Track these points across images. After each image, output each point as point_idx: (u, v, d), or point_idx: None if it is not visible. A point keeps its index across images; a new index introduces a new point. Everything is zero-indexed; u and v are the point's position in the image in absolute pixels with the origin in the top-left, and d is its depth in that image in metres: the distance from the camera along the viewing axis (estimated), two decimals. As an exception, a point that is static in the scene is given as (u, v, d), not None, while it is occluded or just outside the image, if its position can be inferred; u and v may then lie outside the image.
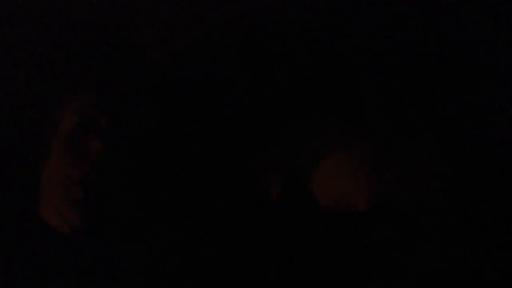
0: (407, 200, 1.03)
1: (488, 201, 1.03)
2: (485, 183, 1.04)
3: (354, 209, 1.03)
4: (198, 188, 1.11)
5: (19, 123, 1.09)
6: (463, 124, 1.09)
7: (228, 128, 1.13)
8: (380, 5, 1.13)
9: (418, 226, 1.02)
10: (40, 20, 1.17)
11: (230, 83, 1.14)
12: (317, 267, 1.02)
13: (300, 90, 1.12)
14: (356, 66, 1.11)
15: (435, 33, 1.12)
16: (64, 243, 1.02)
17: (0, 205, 1.05)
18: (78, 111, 1.03)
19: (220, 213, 1.08)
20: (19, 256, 1.01)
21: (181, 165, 1.10)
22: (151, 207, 1.07)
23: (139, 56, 1.10)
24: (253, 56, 1.15)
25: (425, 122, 1.09)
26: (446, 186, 1.04)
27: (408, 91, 1.10)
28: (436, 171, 1.05)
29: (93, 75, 1.06)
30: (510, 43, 1.11)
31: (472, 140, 1.07)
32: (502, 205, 1.03)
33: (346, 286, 1.01)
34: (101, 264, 1.02)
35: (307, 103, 1.11)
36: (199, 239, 1.05)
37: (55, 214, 1.03)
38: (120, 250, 1.03)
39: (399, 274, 1.00)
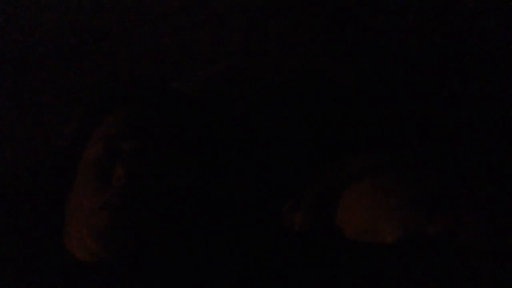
0: (437, 237, 0.98)
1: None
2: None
3: (381, 241, 1.00)
4: (222, 218, 1.09)
5: (46, 152, 1.10)
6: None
7: (253, 160, 1.12)
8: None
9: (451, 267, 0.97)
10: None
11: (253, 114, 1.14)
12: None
13: (325, 122, 1.12)
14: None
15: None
16: (89, 275, 1.00)
17: (26, 235, 1.05)
18: (103, 137, 1.04)
19: (243, 244, 1.06)
20: (41, 282, 1.00)
21: (205, 194, 1.09)
22: (177, 237, 1.06)
23: (163, 86, 1.11)
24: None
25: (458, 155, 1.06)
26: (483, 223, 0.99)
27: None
28: (471, 208, 1.00)
29: (119, 102, 1.07)
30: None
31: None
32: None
33: None
34: None
35: (334, 135, 1.11)
36: (221, 268, 1.03)
37: (79, 244, 1.02)
38: (143, 280, 1.01)
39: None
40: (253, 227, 1.08)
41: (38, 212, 1.07)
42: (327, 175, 1.08)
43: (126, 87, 1.09)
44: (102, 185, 1.00)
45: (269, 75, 1.18)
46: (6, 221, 1.07)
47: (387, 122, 1.13)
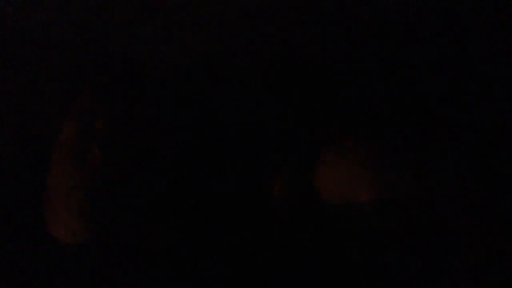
0: (411, 196, 0.99)
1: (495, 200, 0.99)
2: (493, 182, 1.01)
3: (356, 201, 0.99)
4: (200, 189, 1.08)
5: (20, 136, 1.09)
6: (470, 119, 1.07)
7: (225, 129, 1.12)
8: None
9: (421, 222, 0.98)
10: (41, 27, 1.16)
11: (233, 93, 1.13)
12: (319, 264, 0.99)
13: (303, 92, 1.11)
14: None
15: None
16: (70, 255, 1.00)
17: (5, 218, 1.03)
18: (77, 117, 1.03)
19: (223, 215, 1.06)
20: (26, 269, 0.99)
21: (183, 168, 1.08)
22: (155, 212, 1.04)
23: (138, 65, 1.10)
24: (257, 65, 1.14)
25: (431, 116, 1.07)
26: (452, 183, 1.01)
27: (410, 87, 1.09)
28: (442, 168, 1.02)
29: (90, 82, 1.06)
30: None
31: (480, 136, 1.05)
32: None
33: (348, 282, 0.98)
34: (106, 274, 0.99)
35: (311, 103, 1.10)
36: (201, 240, 1.03)
37: (59, 225, 1.01)
38: (125, 258, 1.00)
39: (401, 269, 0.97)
40: (230, 194, 1.08)
41: (16, 196, 1.06)
42: (305, 140, 1.08)
43: (97, 67, 1.09)
44: (79, 165, 1.00)
45: (249, 58, 1.16)
46: None
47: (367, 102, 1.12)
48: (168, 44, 1.15)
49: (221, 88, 1.13)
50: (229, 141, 1.10)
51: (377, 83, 1.11)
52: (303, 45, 1.15)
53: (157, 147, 1.05)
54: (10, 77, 1.13)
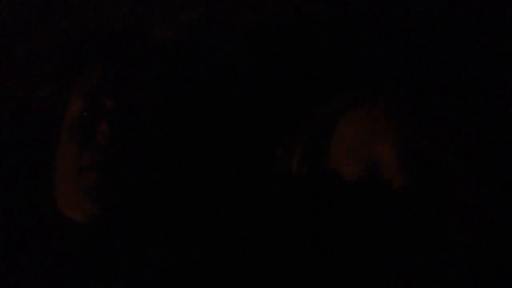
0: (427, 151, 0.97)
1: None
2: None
3: (375, 154, 0.97)
4: (212, 168, 1.07)
5: (24, 114, 1.06)
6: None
7: (238, 104, 1.10)
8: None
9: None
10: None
11: (237, 58, 1.11)
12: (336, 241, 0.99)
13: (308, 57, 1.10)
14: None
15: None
16: (81, 234, 0.98)
17: (13, 198, 1.02)
18: (84, 94, 1.00)
19: (236, 193, 1.05)
20: (38, 247, 0.98)
21: (194, 146, 1.07)
22: (165, 190, 1.03)
23: (144, 37, 1.06)
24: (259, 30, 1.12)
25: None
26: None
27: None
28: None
29: (98, 57, 1.03)
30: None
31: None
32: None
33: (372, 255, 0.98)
34: (117, 254, 0.98)
35: (318, 70, 1.09)
36: (215, 219, 1.03)
37: (69, 203, 0.99)
38: (136, 237, 1.00)
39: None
40: (246, 175, 1.07)
41: (27, 177, 1.04)
42: (318, 112, 1.06)
43: (101, 41, 1.04)
44: (87, 143, 0.97)
45: (249, 17, 1.13)
46: None
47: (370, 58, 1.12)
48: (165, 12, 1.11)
49: (225, 56, 1.11)
50: (235, 117, 1.09)
51: (387, 43, 1.10)
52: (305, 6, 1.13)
53: (167, 124, 1.03)
54: (15, 50, 1.10)
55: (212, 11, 1.13)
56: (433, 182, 0.97)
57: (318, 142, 1.04)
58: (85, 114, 0.98)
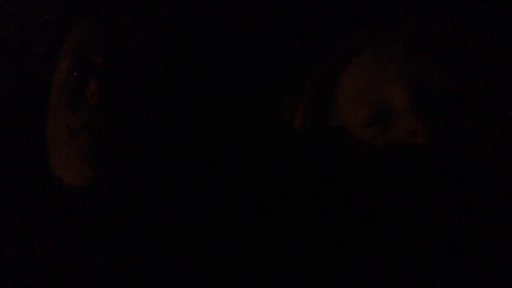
0: (445, 92, 0.87)
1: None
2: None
3: (386, 97, 0.89)
4: (210, 128, 1.02)
5: (16, 73, 1.03)
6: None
7: (239, 51, 1.03)
8: None
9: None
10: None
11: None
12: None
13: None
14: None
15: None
16: (75, 196, 0.95)
17: (9, 159, 0.99)
18: (72, 52, 0.95)
19: (240, 149, 0.99)
20: (31, 209, 0.95)
21: (192, 100, 1.01)
22: (159, 151, 0.98)
23: None
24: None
25: None
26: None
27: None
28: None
29: (87, 11, 0.98)
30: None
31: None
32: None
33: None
34: (111, 216, 0.94)
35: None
36: (212, 183, 0.97)
37: (63, 166, 0.96)
38: (130, 200, 0.95)
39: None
40: (250, 127, 1.01)
41: (19, 135, 1.01)
42: (324, 59, 0.98)
43: None
44: (77, 102, 0.93)
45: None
46: None
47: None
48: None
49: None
50: (237, 63, 1.02)
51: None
52: None
53: (159, 83, 0.98)
54: (7, 9, 1.06)
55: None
56: (450, 129, 0.87)
57: (324, 88, 0.97)
58: (74, 72, 0.94)
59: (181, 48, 1.01)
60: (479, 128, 0.86)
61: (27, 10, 1.03)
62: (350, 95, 0.94)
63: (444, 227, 0.86)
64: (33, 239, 0.93)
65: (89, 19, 0.97)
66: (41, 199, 0.96)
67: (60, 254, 0.92)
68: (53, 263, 0.91)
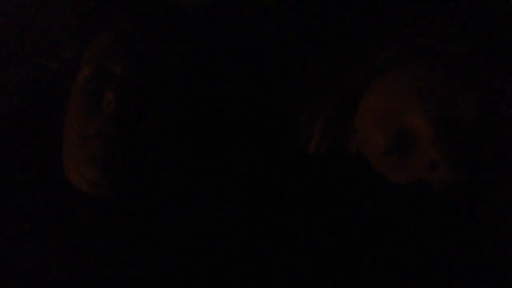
0: (469, 116, 0.84)
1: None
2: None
3: (408, 122, 0.85)
4: (223, 137, 1.00)
5: (39, 76, 1.05)
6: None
7: (259, 66, 1.02)
8: None
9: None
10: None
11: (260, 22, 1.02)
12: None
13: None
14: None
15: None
16: (87, 203, 0.95)
17: (21, 163, 1.00)
18: (94, 60, 0.96)
19: (250, 166, 0.96)
20: (45, 217, 0.95)
21: (205, 113, 1.00)
22: (172, 162, 0.97)
23: (160, 2, 1.02)
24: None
25: None
26: None
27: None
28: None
29: (110, 21, 0.99)
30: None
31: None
32: None
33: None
34: (121, 225, 0.94)
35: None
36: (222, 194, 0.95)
37: (74, 171, 0.96)
38: (140, 210, 0.94)
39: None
40: (265, 143, 0.99)
41: (37, 138, 1.02)
42: (346, 75, 0.95)
43: (114, 5, 1.01)
44: (93, 109, 0.94)
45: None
46: (5, 146, 1.02)
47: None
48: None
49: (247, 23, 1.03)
50: (256, 80, 1.01)
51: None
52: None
53: (176, 96, 0.97)
54: (34, 15, 1.07)
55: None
56: (475, 164, 0.82)
57: (344, 110, 0.93)
58: (93, 80, 0.95)
59: (201, 62, 1.01)
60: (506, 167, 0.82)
61: (58, 15, 1.06)
62: (370, 120, 0.90)
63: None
64: (40, 239, 0.93)
65: (111, 29, 0.98)
66: (52, 201, 0.96)
67: (61, 257, 0.92)
68: (55, 267, 0.91)
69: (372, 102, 0.91)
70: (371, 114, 0.90)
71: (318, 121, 0.95)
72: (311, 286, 0.84)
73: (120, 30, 0.98)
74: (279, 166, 0.95)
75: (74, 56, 1.00)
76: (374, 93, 0.91)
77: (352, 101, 0.93)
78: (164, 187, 0.96)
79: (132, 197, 0.94)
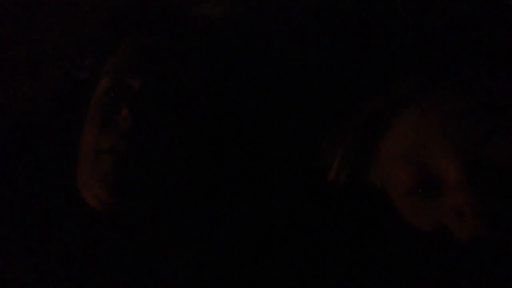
0: (497, 159, 0.76)
1: None
2: None
3: (432, 168, 0.78)
4: (241, 160, 0.95)
5: (64, 83, 1.04)
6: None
7: (281, 90, 0.97)
8: None
9: None
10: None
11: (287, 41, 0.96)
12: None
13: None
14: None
15: None
16: (96, 219, 0.93)
17: (39, 173, 0.98)
18: (112, 73, 0.94)
19: (264, 196, 0.91)
20: (54, 228, 0.93)
21: (224, 136, 0.96)
22: (185, 182, 0.94)
23: (177, 17, 0.99)
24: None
25: None
26: None
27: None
28: None
29: (128, 34, 0.97)
30: None
31: None
32: None
33: None
34: (128, 244, 0.91)
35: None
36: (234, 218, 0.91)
37: (86, 187, 0.94)
38: (149, 229, 0.92)
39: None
40: (283, 171, 0.94)
41: (57, 146, 1.00)
42: (369, 105, 0.89)
43: (140, 14, 0.99)
44: (108, 124, 0.92)
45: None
46: (24, 153, 1.02)
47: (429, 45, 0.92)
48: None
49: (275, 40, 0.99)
50: (278, 104, 0.96)
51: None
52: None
53: (192, 115, 0.94)
54: (59, 23, 1.06)
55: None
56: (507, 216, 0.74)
57: (367, 141, 0.86)
58: (111, 93, 0.93)
59: (220, 84, 0.98)
60: None
61: (85, 24, 1.05)
62: (394, 154, 0.83)
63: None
64: (47, 253, 0.91)
65: (132, 41, 0.96)
66: (62, 215, 0.94)
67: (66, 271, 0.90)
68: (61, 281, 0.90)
69: (398, 136, 0.84)
70: (395, 148, 0.84)
71: (339, 149, 0.88)
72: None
73: (140, 44, 0.95)
74: (297, 191, 0.90)
75: (99, 66, 0.98)
76: (400, 126, 0.84)
77: (377, 130, 0.86)
78: (173, 211, 0.92)
79: (139, 217, 0.92)
